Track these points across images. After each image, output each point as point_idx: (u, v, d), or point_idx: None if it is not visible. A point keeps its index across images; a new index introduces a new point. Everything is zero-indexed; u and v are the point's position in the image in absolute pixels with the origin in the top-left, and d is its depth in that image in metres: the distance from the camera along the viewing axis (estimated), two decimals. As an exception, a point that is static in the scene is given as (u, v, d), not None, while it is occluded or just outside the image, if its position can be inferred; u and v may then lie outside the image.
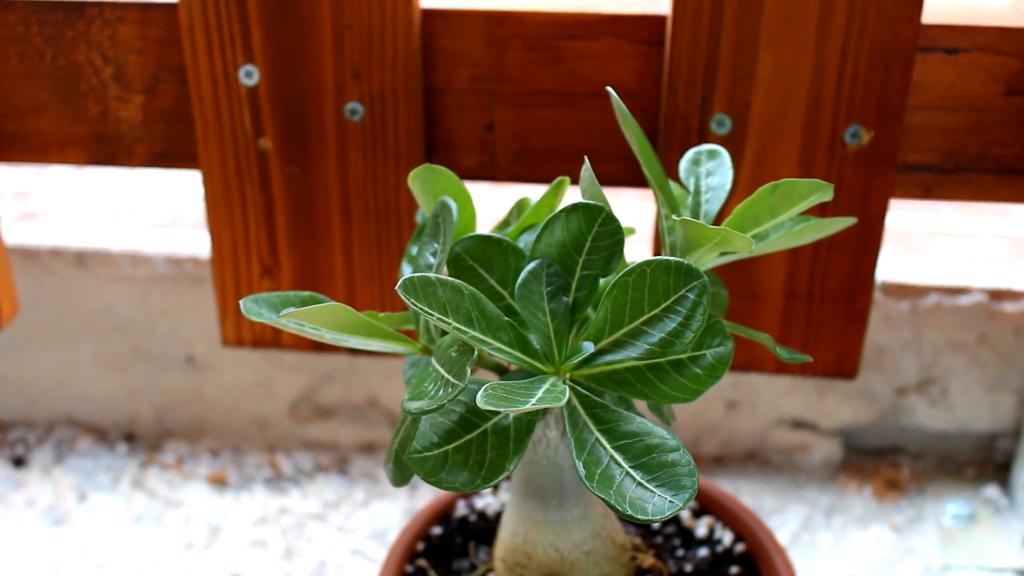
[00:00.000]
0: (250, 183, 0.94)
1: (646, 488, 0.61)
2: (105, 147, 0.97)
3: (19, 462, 1.29)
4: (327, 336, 0.67)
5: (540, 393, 0.61)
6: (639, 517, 0.60)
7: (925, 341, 1.19)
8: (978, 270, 1.19)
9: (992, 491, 1.23)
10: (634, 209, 1.27)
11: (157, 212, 1.32)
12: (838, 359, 0.95)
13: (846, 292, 0.92)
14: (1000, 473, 1.25)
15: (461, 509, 0.93)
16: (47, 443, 1.32)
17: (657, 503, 0.60)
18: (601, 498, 0.61)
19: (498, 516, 0.92)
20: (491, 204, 1.27)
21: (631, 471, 0.62)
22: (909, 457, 1.27)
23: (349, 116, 0.90)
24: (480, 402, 0.58)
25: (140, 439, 1.33)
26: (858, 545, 1.18)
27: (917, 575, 1.14)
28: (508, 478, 0.94)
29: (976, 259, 1.21)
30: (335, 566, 1.16)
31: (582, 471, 0.62)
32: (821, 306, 0.93)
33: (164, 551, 1.18)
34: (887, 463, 1.27)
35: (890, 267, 1.19)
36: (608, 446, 0.63)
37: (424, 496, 1.24)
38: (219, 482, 1.27)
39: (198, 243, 1.24)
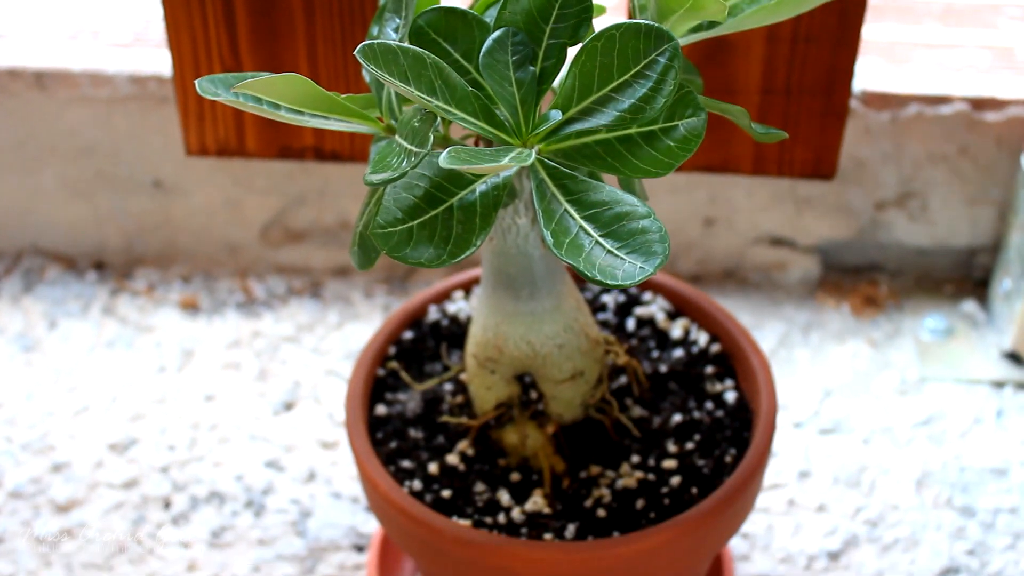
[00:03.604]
0: (208, -19, 0.90)
1: (616, 255, 0.59)
2: (56, -53, 0.93)
3: (-13, 291, 1.27)
4: (285, 115, 0.64)
5: (506, 158, 0.59)
6: (609, 282, 0.58)
7: (905, 153, 1.17)
8: (960, 80, 1.16)
9: (970, 306, 1.22)
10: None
11: (118, 32, 1.28)
12: (816, 157, 0.93)
13: (824, 86, 0.90)
14: (978, 288, 1.25)
15: (433, 314, 0.92)
16: (15, 272, 1.30)
17: (627, 269, 0.59)
18: (570, 264, 0.59)
19: (470, 320, 0.91)
20: None
21: (601, 240, 0.60)
22: (887, 274, 1.26)
23: (309, -95, 0.86)
24: (443, 161, 0.56)
25: (110, 266, 1.30)
26: (835, 360, 1.18)
27: (894, 387, 1.14)
28: (479, 279, 0.93)
29: (959, 69, 1.18)
30: (309, 386, 1.15)
31: (550, 240, 0.60)
32: (799, 101, 0.90)
33: (137, 374, 1.17)
34: (865, 280, 1.26)
35: (870, 77, 1.16)
36: (577, 216, 0.61)
37: (399, 318, 1.23)
38: (191, 307, 1.25)
39: (161, 62, 1.21)
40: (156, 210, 1.27)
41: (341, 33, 0.90)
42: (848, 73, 0.89)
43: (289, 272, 1.29)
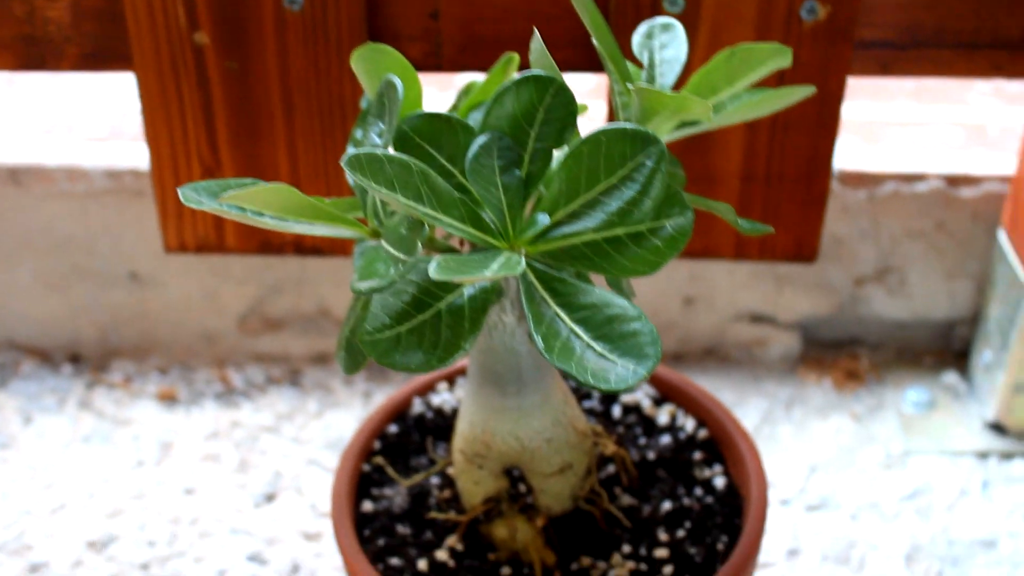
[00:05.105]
0: (187, 81, 0.90)
1: (608, 359, 0.59)
2: (33, 49, 0.93)
3: (-38, 387, 1.26)
4: (269, 221, 0.64)
5: (495, 265, 0.59)
6: (602, 386, 0.58)
7: (883, 230, 1.18)
8: (935, 157, 1.17)
9: (951, 378, 1.23)
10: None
11: (93, 126, 1.28)
12: (797, 242, 0.93)
13: (804, 174, 0.90)
14: (959, 360, 1.25)
15: (417, 407, 0.91)
16: (-10, 367, 1.28)
17: (620, 372, 0.59)
18: (562, 369, 0.59)
19: (455, 412, 0.90)
20: (439, 102, 1.24)
21: (592, 343, 0.60)
22: (868, 348, 1.26)
23: (288, 5, 0.87)
24: (432, 273, 0.56)
25: (85, 360, 1.29)
26: (819, 435, 1.17)
27: (878, 462, 1.14)
28: (464, 369, 0.92)
29: (933, 147, 1.20)
30: (291, 476, 1.14)
31: (541, 344, 0.60)
32: (779, 188, 0.91)
33: (114, 469, 1.16)
34: (846, 354, 1.26)
35: (847, 156, 1.17)
36: (567, 319, 0.61)
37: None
38: (169, 399, 1.24)
39: (137, 156, 1.20)
40: (132, 302, 1.26)
41: (320, 131, 0.90)
42: (827, 160, 0.89)
43: (267, 361, 1.28)
